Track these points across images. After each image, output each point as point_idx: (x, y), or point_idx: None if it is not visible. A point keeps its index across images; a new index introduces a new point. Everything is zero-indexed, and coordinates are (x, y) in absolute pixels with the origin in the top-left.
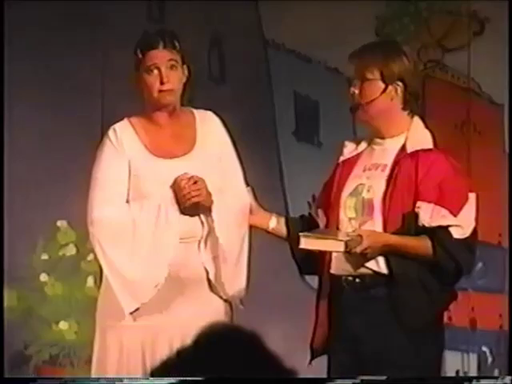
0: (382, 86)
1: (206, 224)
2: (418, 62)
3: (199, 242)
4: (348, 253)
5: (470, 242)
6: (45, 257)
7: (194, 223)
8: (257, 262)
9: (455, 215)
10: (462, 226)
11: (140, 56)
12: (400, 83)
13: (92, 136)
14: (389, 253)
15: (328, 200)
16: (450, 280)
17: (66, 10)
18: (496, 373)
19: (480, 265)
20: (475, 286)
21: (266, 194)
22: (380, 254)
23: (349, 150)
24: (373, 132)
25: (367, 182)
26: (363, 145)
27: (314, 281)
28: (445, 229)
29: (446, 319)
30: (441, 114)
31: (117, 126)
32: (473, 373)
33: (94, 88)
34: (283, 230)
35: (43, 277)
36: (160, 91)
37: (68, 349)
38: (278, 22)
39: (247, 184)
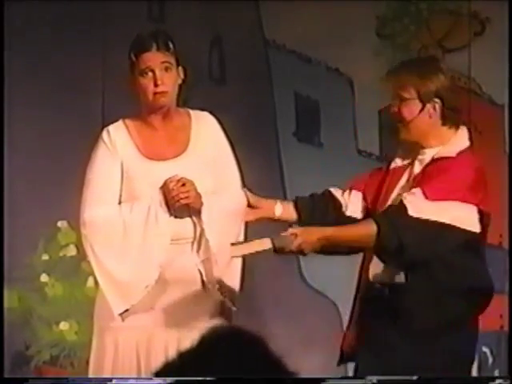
0: (420, 104)
1: (197, 226)
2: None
3: (192, 243)
4: (280, 252)
5: (421, 225)
6: (45, 257)
7: (185, 225)
8: (256, 262)
9: (427, 197)
10: (422, 207)
11: (134, 59)
12: (438, 100)
13: (93, 136)
14: (328, 245)
15: (375, 197)
16: (389, 260)
17: (66, 10)
18: (496, 373)
19: None
20: None
21: (266, 194)
22: (320, 248)
23: (400, 159)
24: (415, 146)
25: (403, 192)
26: (410, 156)
27: (314, 281)
28: (402, 204)
29: None
30: None
31: (111, 127)
32: (473, 373)
33: (94, 88)
34: (292, 215)
35: (44, 277)
36: (155, 93)
37: (68, 349)
38: (278, 22)
39: (244, 185)
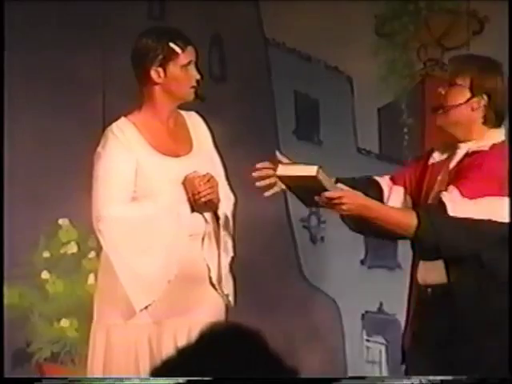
0: (468, 94)
1: (210, 221)
2: (418, 61)
3: (202, 239)
4: (320, 190)
5: (460, 223)
6: (46, 254)
7: (198, 220)
8: (258, 261)
9: (464, 196)
10: (460, 205)
11: (179, 51)
12: (485, 97)
13: (93, 134)
14: (368, 217)
15: (417, 193)
16: (426, 255)
17: (66, 10)
18: None
19: None
20: None
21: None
22: (357, 216)
23: (438, 154)
24: (451, 138)
25: (442, 187)
26: (448, 151)
27: (313, 278)
28: (442, 202)
29: None
30: None
31: (119, 123)
32: None
33: (94, 86)
34: None
35: (45, 274)
36: (191, 87)
37: (69, 346)
38: (278, 20)
39: (228, 181)
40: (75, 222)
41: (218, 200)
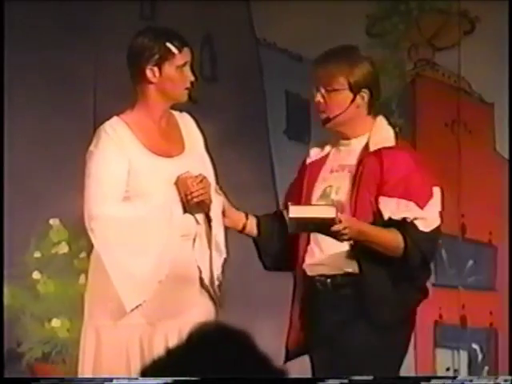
0: (350, 95)
1: (201, 222)
2: (409, 61)
3: (194, 240)
4: (329, 232)
5: (434, 235)
6: (37, 255)
7: (189, 221)
8: (249, 260)
9: (422, 207)
10: (427, 218)
11: (176, 51)
12: (366, 90)
13: (84, 134)
14: (363, 240)
15: (298, 203)
16: (416, 273)
17: (60, 9)
18: (486, 370)
19: (471, 262)
20: (466, 284)
21: (257, 192)
22: (355, 240)
23: (315, 152)
24: (337, 134)
25: (335, 183)
26: (329, 146)
27: None
28: (411, 222)
29: (436, 317)
30: (431, 113)
31: (111, 122)
32: (463, 370)
33: (86, 86)
34: (254, 231)
35: (36, 274)
36: (186, 88)
37: (60, 346)
38: (269, 20)
39: (217, 183)
40: (66, 222)
41: (210, 201)
